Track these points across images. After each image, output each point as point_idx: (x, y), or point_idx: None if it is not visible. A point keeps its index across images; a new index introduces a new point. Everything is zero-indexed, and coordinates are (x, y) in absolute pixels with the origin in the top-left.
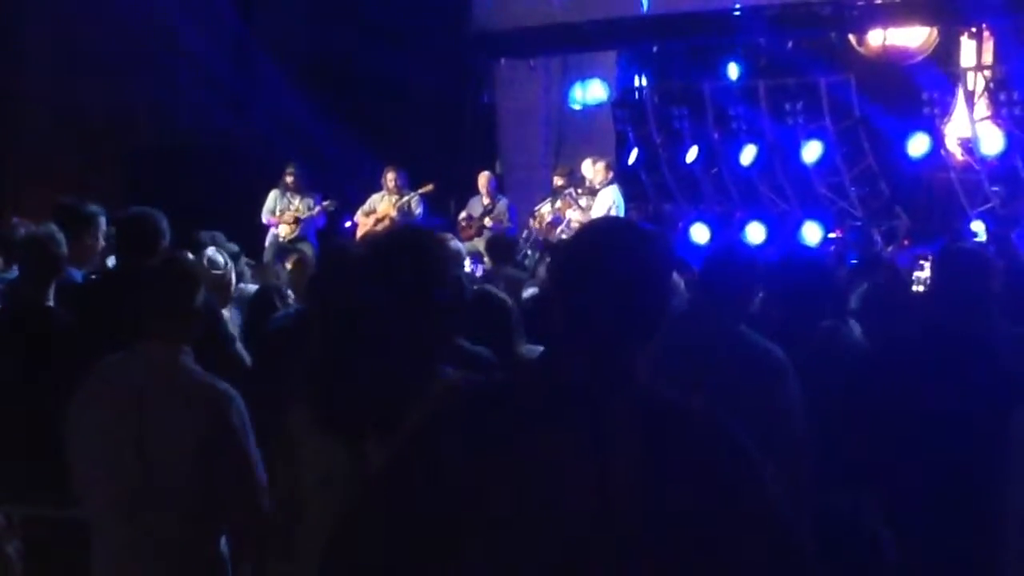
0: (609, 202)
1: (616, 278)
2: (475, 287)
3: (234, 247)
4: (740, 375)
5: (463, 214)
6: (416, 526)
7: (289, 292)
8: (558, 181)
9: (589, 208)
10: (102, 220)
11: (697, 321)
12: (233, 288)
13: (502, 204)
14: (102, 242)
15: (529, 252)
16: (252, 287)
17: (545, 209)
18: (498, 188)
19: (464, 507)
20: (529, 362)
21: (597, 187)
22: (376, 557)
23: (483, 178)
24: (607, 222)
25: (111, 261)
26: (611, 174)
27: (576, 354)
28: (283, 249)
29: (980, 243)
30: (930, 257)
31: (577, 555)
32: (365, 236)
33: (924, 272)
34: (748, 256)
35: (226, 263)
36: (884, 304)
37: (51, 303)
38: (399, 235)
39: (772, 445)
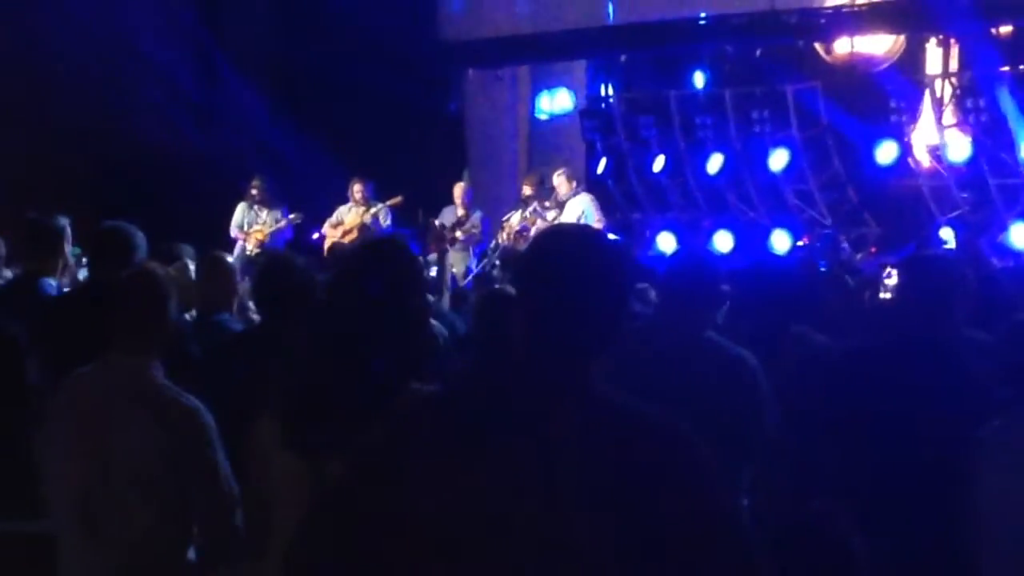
0: (578, 212)
1: (569, 285)
2: (489, 288)
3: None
4: (712, 382)
5: (437, 220)
6: (366, 540)
7: (250, 304)
8: (527, 191)
9: (556, 218)
10: (68, 232)
11: (664, 329)
12: None
13: (476, 216)
14: (70, 256)
15: (496, 263)
16: None
17: (514, 219)
18: (474, 199)
19: (415, 520)
20: (481, 370)
21: (563, 198)
22: (328, 570)
23: (459, 188)
24: (562, 229)
25: (83, 273)
26: (574, 184)
27: (530, 361)
28: (249, 262)
29: (948, 250)
30: (895, 265)
31: (528, 564)
32: (332, 248)
33: (892, 280)
34: (711, 262)
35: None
36: (852, 312)
37: None
38: (373, 247)
39: (747, 451)
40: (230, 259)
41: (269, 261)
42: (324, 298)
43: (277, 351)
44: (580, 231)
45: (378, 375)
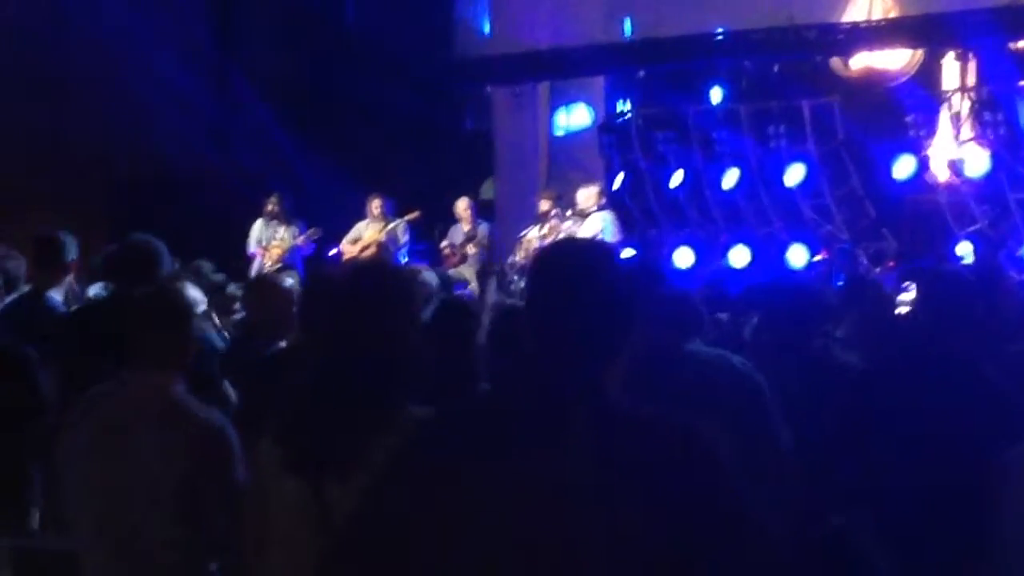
0: (597, 227)
1: (574, 295)
2: (507, 302)
3: (219, 277)
4: (708, 392)
5: (445, 242)
6: (392, 561)
7: None
8: (544, 206)
9: (574, 232)
10: (75, 248)
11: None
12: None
13: (483, 229)
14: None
15: (515, 278)
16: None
17: (532, 235)
18: (478, 213)
19: (435, 538)
20: (495, 384)
21: (587, 211)
22: None
23: (462, 204)
24: (568, 242)
25: (93, 289)
26: (603, 199)
27: (539, 372)
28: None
29: (963, 266)
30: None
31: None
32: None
33: (909, 294)
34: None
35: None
36: (873, 328)
37: None
38: (367, 271)
39: (761, 465)
40: (289, 282)
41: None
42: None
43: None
44: (586, 243)
45: (370, 398)
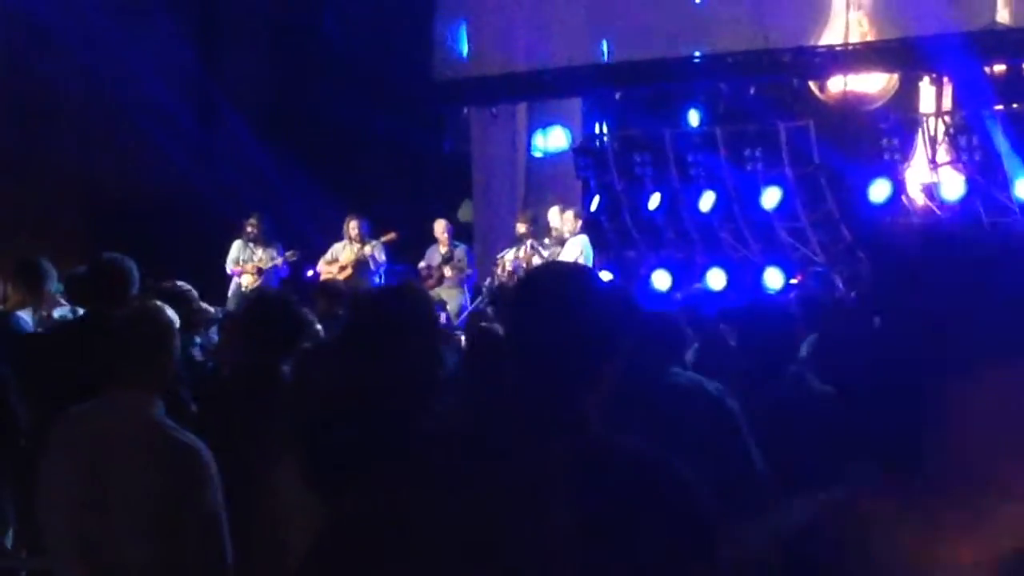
0: (577, 252)
1: (556, 320)
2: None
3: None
4: (684, 420)
5: (422, 264)
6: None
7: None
8: (521, 228)
9: (554, 256)
10: (52, 272)
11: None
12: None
13: (460, 251)
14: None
15: (490, 299)
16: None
17: (508, 256)
18: (455, 235)
19: (412, 557)
20: (473, 408)
21: (566, 236)
22: None
23: (439, 226)
24: (554, 266)
25: (58, 312)
26: (579, 223)
27: (519, 397)
28: (245, 299)
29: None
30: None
31: None
32: (323, 284)
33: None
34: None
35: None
36: (836, 351)
37: None
38: (385, 292)
39: (738, 493)
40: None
41: (258, 299)
42: (339, 338)
43: (270, 390)
44: (571, 268)
45: (392, 416)
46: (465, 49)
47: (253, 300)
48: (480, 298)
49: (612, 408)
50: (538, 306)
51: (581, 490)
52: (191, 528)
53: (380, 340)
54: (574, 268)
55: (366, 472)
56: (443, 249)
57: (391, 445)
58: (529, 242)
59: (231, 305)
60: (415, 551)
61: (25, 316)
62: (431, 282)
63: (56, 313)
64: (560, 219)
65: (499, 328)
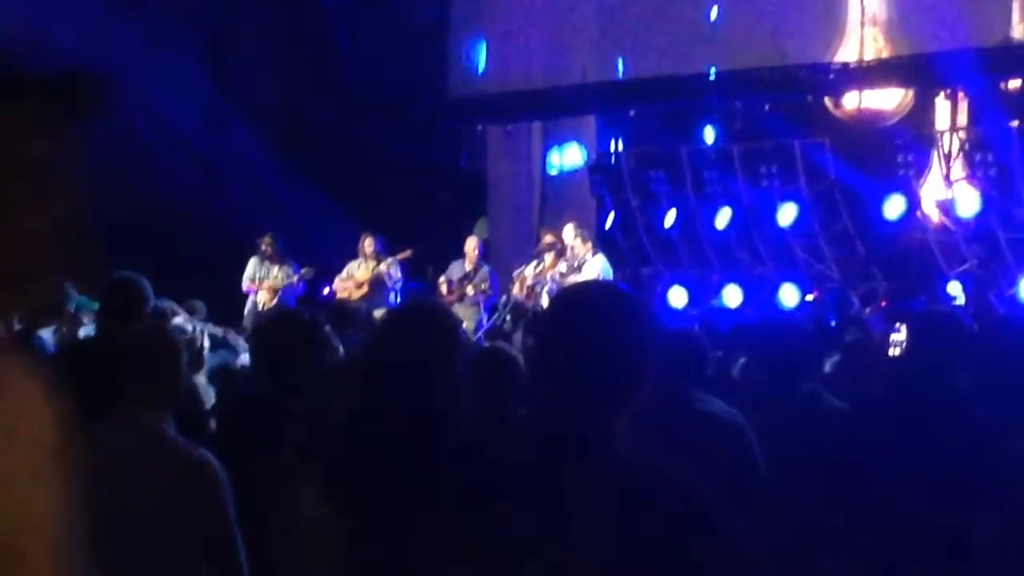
0: (596, 272)
1: (592, 340)
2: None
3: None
4: (698, 441)
5: (443, 278)
6: None
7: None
8: (548, 239)
9: (573, 278)
10: (72, 293)
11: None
12: (205, 355)
13: (484, 271)
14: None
15: (508, 317)
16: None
17: (527, 271)
18: (485, 254)
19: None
20: (509, 424)
21: (580, 260)
22: None
23: (471, 243)
24: (587, 285)
25: (83, 331)
26: (590, 244)
27: (547, 416)
28: (261, 317)
29: (955, 306)
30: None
31: None
32: (340, 304)
33: (900, 335)
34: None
35: (194, 328)
36: (857, 369)
37: None
38: (415, 309)
39: (751, 512)
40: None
41: (274, 318)
42: (362, 359)
43: (287, 411)
44: (601, 288)
45: (415, 435)
46: (480, 66)
47: (273, 319)
48: (496, 315)
49: (632, 431)
50: (572, 326)
51: (608, 512)
52: (205, 544)
53: (403, 361)
54: (605, 287)
55: (388, 490)
56: (469, 266)
57: (413, 463)
58: (549, 257)
59: (247, 323)
60: (440, 571)
61: (46, 336)
62: (451, 298)
63: (82, 333)
64: (573, 240)
65: (507, 347)
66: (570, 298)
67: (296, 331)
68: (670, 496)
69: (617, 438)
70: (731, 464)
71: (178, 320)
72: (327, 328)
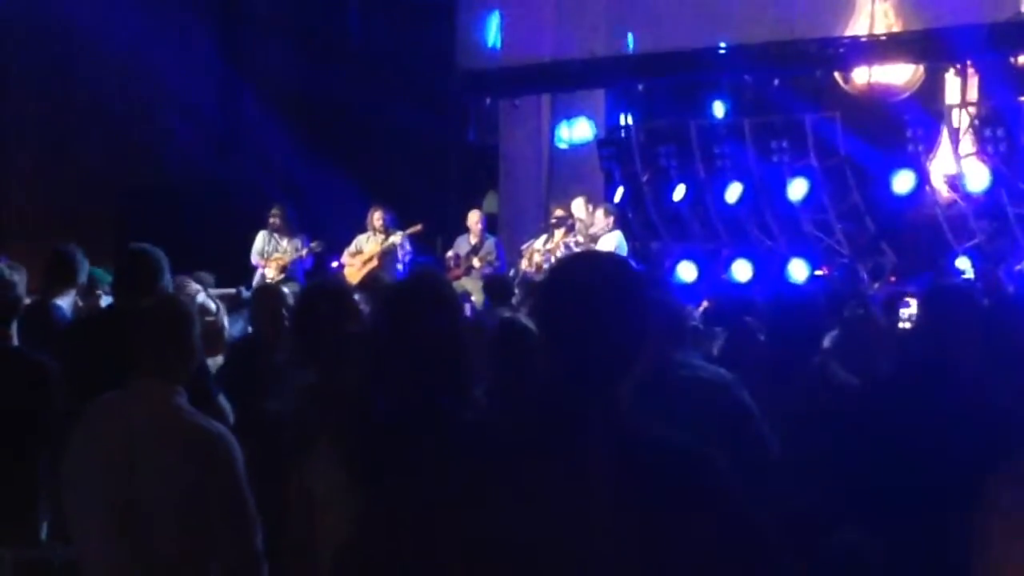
0: (610, 248)
1: (589, 309)
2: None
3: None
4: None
5: (450, 253)
6: (402, 567)
7: None
8: (559, 212)
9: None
10: (85, 264)
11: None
12: (225, 334)
13: (490, 243)
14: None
15: (517, 291)
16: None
17: (537, 246)
18: (488, 227)
19: (452, 551)
20: (517, 396)
21: (598, 232)
22: None
23: (474, 216)
24: (583, 255)
25: (104, 301)
26: (611, 219)
27: (554, 387)
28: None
29: (966, 280)
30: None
31: None
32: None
33: (910, 309)
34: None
35: (217, 309)
36: (856, 344)
37: (15, 343)
38: (420, 280)
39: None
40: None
41: (308, 290)
42: (374, 329)
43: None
44: (601, 256)
45: (432, 405)
46: (491, 40)
47: (303, 291)
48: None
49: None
50: (573, 295)
51: (620, 480)
52: (219, 515)
53: (414, 330)
54: (608, 256)
55: (404, 461)
56: (473, 239)
57: (428, 434)
58: (559, 232)
59: None
60: (454, 541)
61: (63, 304)
62: (458, 272)
63: (104, 303)
64: (585, 211)
65: (522, 318)
66: (564, 266)
67: (321, 300)
68: (679, 466)
69: (621, 407)
70: (728, 426)
71: (201, 299)
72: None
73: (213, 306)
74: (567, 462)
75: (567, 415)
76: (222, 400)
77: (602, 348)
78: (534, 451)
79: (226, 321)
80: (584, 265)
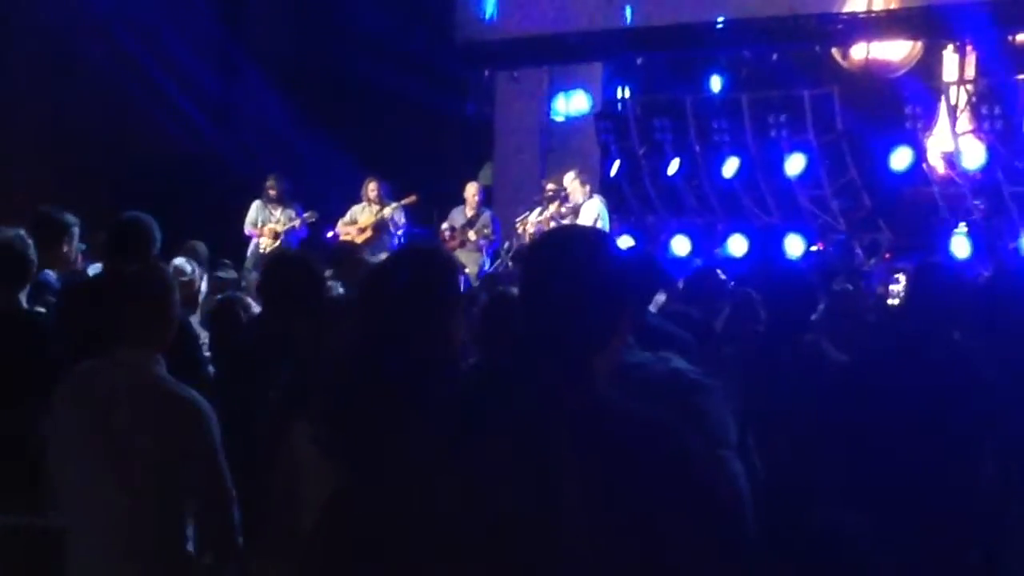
0: (593, 216)
1: (565, 282)
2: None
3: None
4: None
5: (445, 224)
6: (376, 540)
7: (250, 301)
8: (551, 186)
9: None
10: (76, 230)
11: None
12: (201, 297)
13: (486, 216)
14: (76, 251)
15: (510, 263)
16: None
17: (531, 218)
18: (485, 200)
19: (420, 522)
20: (493, 368)
21: (577, 203)
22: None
23: (471, 188)
24: (565, 229)
25: (92, 269)
26: (588, 187)
27: (528, 359)
28: (263, 259)
29: (953, 259)
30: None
31: (530, 563)
32: (340, 246)
33: (899, 285)
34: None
35: (193, 271)
36: (841, 319)
37: (24, 306)
38: (406, 250)
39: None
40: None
41: (277, 257)
42: (354, 299)
43: (286, 348)
44: (581, 231)
45: (406, 376)
46: (488, 12)
47: (271, 261)
48: (499, 261)
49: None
50: (549, 266)
51: (589, 448)
52: (195, 484)
53: (397, 306)
54: (586, 230)
55: (379, 438)
56: (469, 212)
57: (405, 411)
58: (553, 205)
59: (250, 266)
60: (428, 515)
61: (52, 274)
62: (453, 244)
63: (91, 270)
64: (571, 185)
65: (514, 291)
66: (544, 238)
67: (291, 272)
68: (647, 437)
69: (595, 377)
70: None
71: (177, 261)
72: (323, 270)
73: (188, 268)
74: (540, 432)
75: (538, 387)
76: (208, 370)
77: (578, 321)
78: (508, 421)
79: (204, 285)
80: (561, 239)
